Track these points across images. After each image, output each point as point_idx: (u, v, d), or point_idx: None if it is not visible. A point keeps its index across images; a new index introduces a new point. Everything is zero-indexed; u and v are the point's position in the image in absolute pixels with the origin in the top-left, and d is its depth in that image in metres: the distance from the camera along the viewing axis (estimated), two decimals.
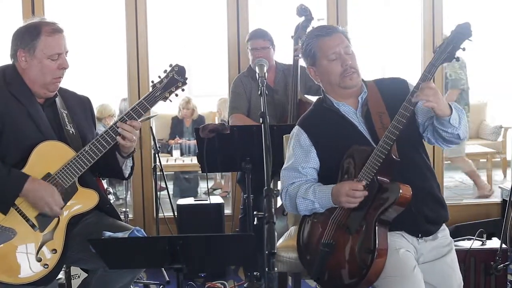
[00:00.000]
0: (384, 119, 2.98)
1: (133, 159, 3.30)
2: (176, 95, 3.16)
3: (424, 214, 2.98)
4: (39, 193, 2.95)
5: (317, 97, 5.06)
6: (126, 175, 3.30)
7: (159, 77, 3.13)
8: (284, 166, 3.19)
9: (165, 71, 3.14)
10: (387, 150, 2.82)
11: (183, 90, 3.17)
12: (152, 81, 3.14)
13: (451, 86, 7.00)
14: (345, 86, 3.04)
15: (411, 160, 2.99)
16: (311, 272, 3.11)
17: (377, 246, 2.84)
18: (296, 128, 3.18)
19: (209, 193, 5.15)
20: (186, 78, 3.14)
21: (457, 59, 2.75)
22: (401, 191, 2.82)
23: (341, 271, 2.97)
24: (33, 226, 2.98)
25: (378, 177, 2.87)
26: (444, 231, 3.07)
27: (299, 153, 3.12)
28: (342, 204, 2.93)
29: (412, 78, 3.03)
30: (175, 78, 3.12)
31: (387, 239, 2.88)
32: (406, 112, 2.80)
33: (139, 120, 3.13)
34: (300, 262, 3.21)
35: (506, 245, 4.21)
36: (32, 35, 3.04)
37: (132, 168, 3.33)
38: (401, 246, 2.92)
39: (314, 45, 3.06)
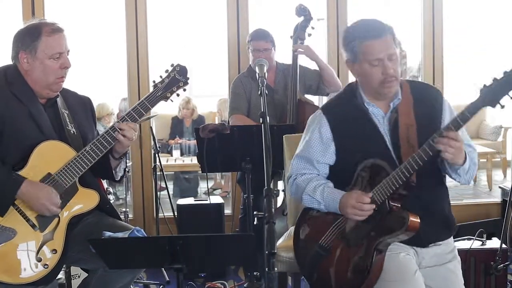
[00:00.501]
0: (411, 132, 2.88)
1: (126, 161, 3.30)
2: (178, 95, 3.15)
3: (430, 239, 2.92)
4: (35, 195, 2.94)
5: (317, 96, 5.10)
6: (118, 178, 3.30)
7: (161, 76, 3.12)
8: (299, 152, 3.11)
9: (166, 70, 3.13)
10: (406, 178, 2.74)
11: (184, 90, 3.16)
12: (154, 81, 3.14)
13: None
14: (383, 94, 2.92)
15: (428, 179, 2.87)
16: (302, 268, 3.11)
17: (371, 269, 2.81)
18: (319, 114, 3.06)
19: (209, 193, 5.16)
20: (188, 78, 3.13)
21: (502, 107, 2.61)
22: (409, 223, 2.75)
23: (330, 278, 2.96)
24: (33, 226, 2.98)
25: (390, 202, 2.81)
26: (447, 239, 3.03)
27: (318, 146, 3.02)
28: (348, 216, 2.88)
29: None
30: (177, 78, 3.12)
31: (382, 264, 2.84)
32: (435, 144, 2.68)
33: (140, 120, 3.13)
34: (294, 255, 3.19)
35: (506, 245, 4.21)
36: (33, 36, 3.04)
37: (124, 170, 3.34)
38: (402, 250, 2.88)
39: (358, 45, 2.88)
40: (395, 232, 2.80)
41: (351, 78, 5.87)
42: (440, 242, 2.97)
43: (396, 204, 2.82)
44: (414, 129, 2.89)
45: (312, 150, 3.04)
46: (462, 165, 2.78)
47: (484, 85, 2.61)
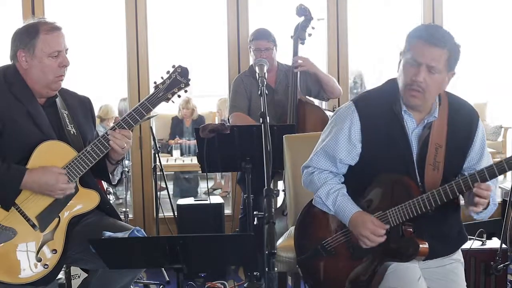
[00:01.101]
0: (439, 154, 2.79)
1: (124, 165, 3.31)
2: (179, 96, 3.15)
3: (436, 253, 2.86)
4: (42, 180, 2.94)
5: (317, 100, 5.07)
6: (115, 181, 3.30)
7: (162, 78, 3.12)
8: (323, 145, 2.97)
9: (168, 72, 3.13)
10: (427, 209, 2.69)
11: (186, 91, 3.16)
12: (155, 82, 3.14)
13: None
14: (404, 100, 2.79)
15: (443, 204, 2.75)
16: (298, 257, 3.11)
17: (369, 285, 2.81)
18: (352, 109, 2.89)
19: (209, 193, 5.16)
20: (189, 80, 3.13)
21: None
22: (419, 250, 2.72)
23: (326, 278, 2.97)
24: (33, 226, 2.98)
25: (403, 227, 2.76)
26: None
27: (345, 145, 2.89)
28: (357, 238, 2.84)
29: None
30: (178, 79, 3.12)
31: (382, 278, 2.81)
32: (474, 191, 2.61)
33: (141, 120, 3.13)
34: (294, 239, 3.18)
35: (506, 245, 4.20)
36: (31, 34, 3.04)
37: (122, 174, 3.34)
38: None
39: (411, 42, 2.74)
40: (403, 258, 2.77)
41: (351, 79, 5.91)
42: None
43: (408, 229, 2.77)
44: (443, 151, 2.80)
45: (338, 149, 2.91)
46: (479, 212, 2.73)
47: None
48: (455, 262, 2.95)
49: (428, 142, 2.81)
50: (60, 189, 2.97)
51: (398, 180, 2.80)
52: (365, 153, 2.89)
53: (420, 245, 2.73)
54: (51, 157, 3.01)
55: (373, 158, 2.86)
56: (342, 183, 2.99)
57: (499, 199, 6.01)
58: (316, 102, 5.13)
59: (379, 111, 2.86)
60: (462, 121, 2.87)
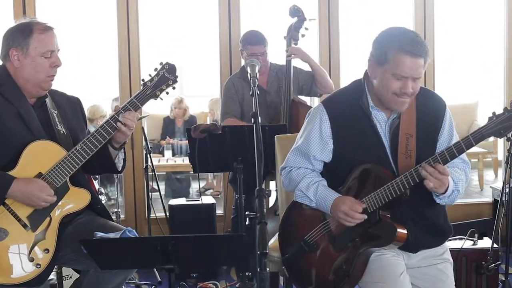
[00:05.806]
0: (410, 143, 2.85)
1: (124, 151, 3.30)
2: (167, 93, 3.17)
3: (422, 242, 2.91)
4: (27, 191, 2.94)
5: (309, 97, 5.10)
6: (120, 168, 3.30)
7: (150, 75, 3.14)
8: (297, 145, 3.08)
9: (155, 69, 3.15)
10: (401, 192, 2.74)
11: (174, 88, 3.18)
12: (143, 80, 3.15)
13: None
14: (390, 107, 2.87)
15: (422, 190, 2.77)
16: (283, 256, 3.12)
17: (351, 272, 2.84)
18: (321, 108, 2.99)
19: (200, 193, 5.15)
20: (177, 76, 3.15)
21: (508, 139, 2.59)
22: (396, 235, 2.77)
23: (311, 273, 2.98)
24: (25, 226, 2.97)
25: (380, 212, 2.81)
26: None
27: (317, 142, 2.98)
28: (338, 219, 2.88)
29: None
30: (166, 76, 3.13)
31: (364, 268, 2.86)
32: (419, 170, 2.69)
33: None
34: (278, 241, 3.20)
35: (497, 244, 4.22)
36: (24, 33, 3.04)
37: (124, 160, 3.33)
38: (389, 251, 2.88)
39: (392, 52, 2.75)
40: (381, 241, 2.82)
41: (343, 79, 5.91)
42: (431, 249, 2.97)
43: (386, 214, 2.83)
44: (414, 139, 2.87)
45: (311, 146, 3.00)
46: (442, 193, 2.77)
47: (494, 113, 2.55)
48: (445, 262, 2.97)
49: (398, 132, 2.89)
50: (44, 200, 2.97)
51: (373, 169, 2.86)
52: (337, 149, 2.97)
53: (398, 229, 2.78)
54: (41, 157, 3.00)
55: (346, 153, 2.94)
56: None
57: (490, 199, 6.06)
58: (308, 103, 5.14)
59: (347, 108, 2.96)
60: (429, 109, 2.95)
